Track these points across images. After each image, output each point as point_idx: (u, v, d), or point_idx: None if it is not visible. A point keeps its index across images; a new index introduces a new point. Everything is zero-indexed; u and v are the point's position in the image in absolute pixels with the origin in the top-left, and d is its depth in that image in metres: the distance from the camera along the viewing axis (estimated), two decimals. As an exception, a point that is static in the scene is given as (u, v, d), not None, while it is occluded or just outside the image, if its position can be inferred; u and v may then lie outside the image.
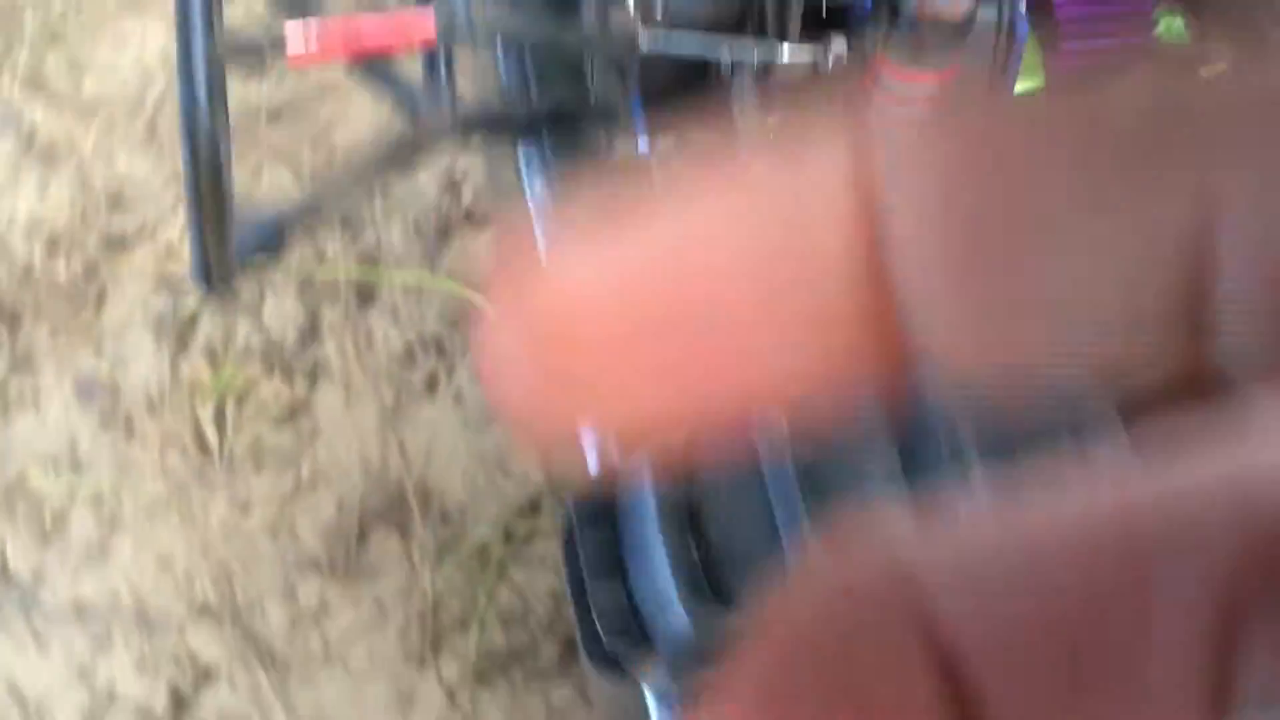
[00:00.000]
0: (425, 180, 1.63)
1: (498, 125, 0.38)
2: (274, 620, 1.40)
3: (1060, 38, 0.41)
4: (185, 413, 1.51)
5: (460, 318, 1.53)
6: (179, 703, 1.38)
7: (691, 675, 0.40)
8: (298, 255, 1.58)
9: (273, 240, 0.30)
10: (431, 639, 1.38)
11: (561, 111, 0.41)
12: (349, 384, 1.51)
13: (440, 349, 1.53)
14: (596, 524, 0.35)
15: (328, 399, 1.51)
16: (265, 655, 1.38)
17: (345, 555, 1.43)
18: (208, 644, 1.40)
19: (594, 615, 0.34)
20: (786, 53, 0.39)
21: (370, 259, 1.57)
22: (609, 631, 0.34)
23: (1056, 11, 0.41)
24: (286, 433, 1.48)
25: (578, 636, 0.36)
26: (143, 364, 1.55)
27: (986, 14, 0.41)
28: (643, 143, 0.45)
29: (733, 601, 0.32)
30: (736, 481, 0.33)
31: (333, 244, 1.59)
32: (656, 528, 0.33)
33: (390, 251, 1.58)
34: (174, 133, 1.74)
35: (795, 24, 0.39)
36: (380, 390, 1.51)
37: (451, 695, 1.35)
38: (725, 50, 0.38)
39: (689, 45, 0.37)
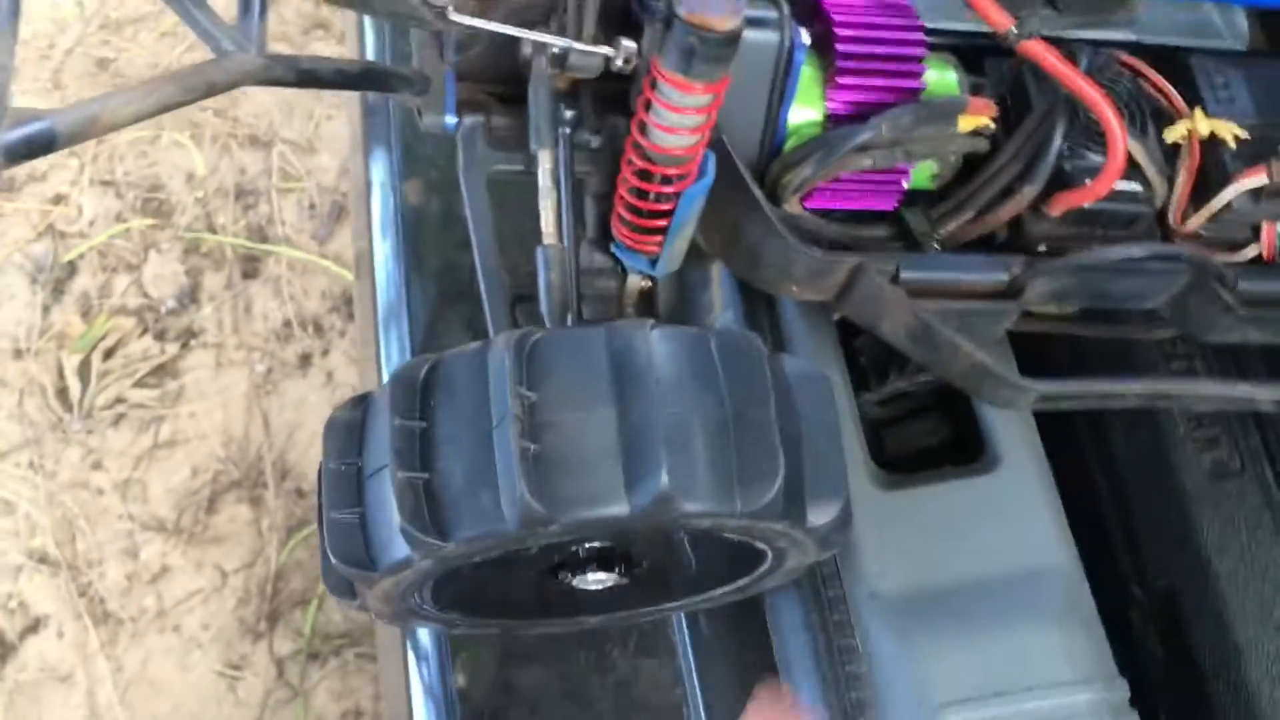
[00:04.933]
0: (327, 160, 1.64)
1: (304, 79, 0.41)
2: (111, 577, 1.39)
3: (837, 73, 0.45)
4: (51, 362, 1.50)
5: (341, 300, 1.55)
6: (2, 649, 1.36)
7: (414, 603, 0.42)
8: (187, 219, 1.58)
9: (43, 146, 0.32)
10: (269, 613, 1.38)
11: (372, 73, 0.44)
12: (221, 352, 1.51)
13: (318, 328, 1.53)
14: (342, 454, 0.38)
15: (198, 364, 1.50)
16: (97, 611, 1.37)
17: (193, 521, 1.42)
18: (41, 594, 1.38)
19: (326, 540, 0.37)
20: (581, 45, 0.42)
21: (260, 232, 1.58)
22: (340, 557, 0.36)
23: (835, 46, 0.44)
24: (151, 392, 1.48)
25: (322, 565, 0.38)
26: (15, 307, 1.54)
27: (767, 38, 0.44)
28: (450, 118, 0.48)
29: (450, 535, 0.34)
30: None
31: (225, 213, 1.59)
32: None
33: (281, 227, 1.58)
34: (81, 82, 1.73)
35: (591, 20, 0.42)
36: (252, 362, 1.51)
37: (281, 669, 1.35)
38: (529, 38, 0.41)
39: (499, 25, 0.40)
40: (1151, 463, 0.62)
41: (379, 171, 0.71)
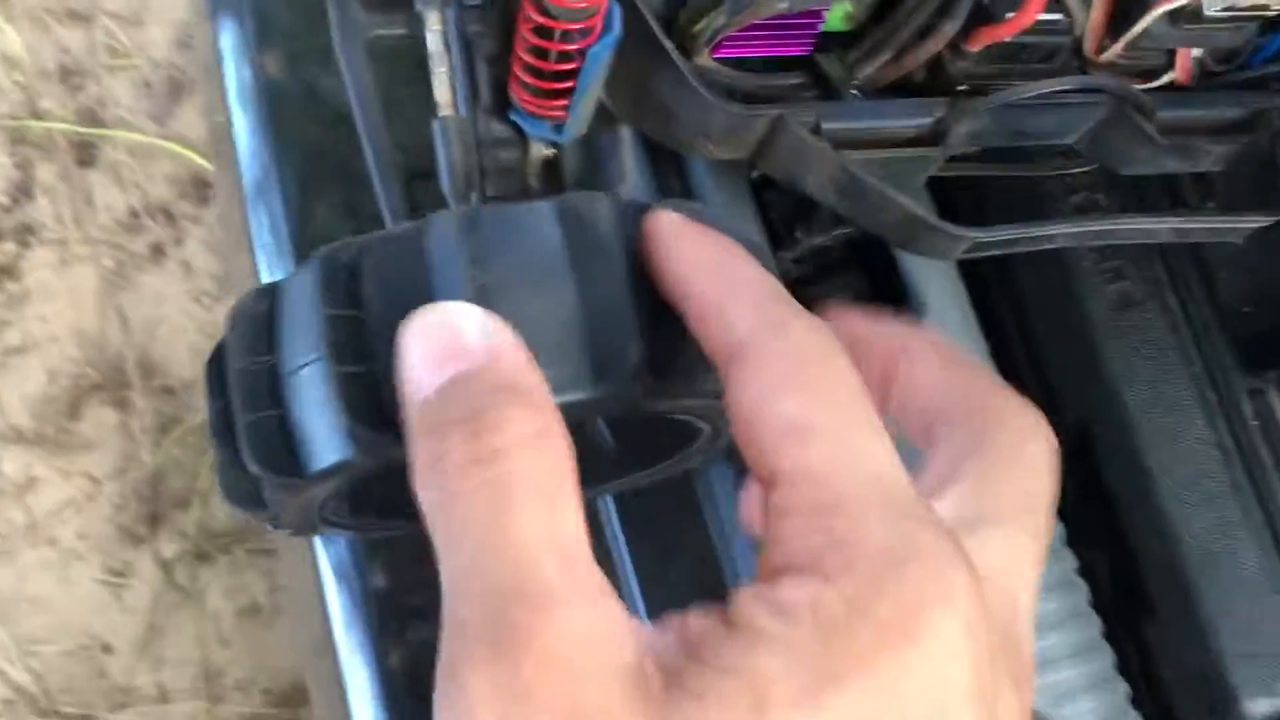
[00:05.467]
0: (158, 33, 1.53)
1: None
2: (-27, 495, 1.31)
3: None
4: (-126, 271, 1.39)
5: (191, 185, 1.46)
6: None
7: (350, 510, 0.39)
8: (8, 106, 1.46)
9: None
10: (149, 516, 1.33)
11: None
12: (65, 248, 1.42)
13: (168, 215, 1.45)
14: (253, 350, 0.33)
15: (40, 263, 1.41)
16: (-39, 531, 1.30)
17: (55, 429, 1.35)
18: (-104, 518, 1.31)
19: (243, 445, 0.33)
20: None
21: (92, 116, 1.47)
22: (260, 463, 0.32)
23: None
24: (-8, 297, 1.38)
25: (217, 475, 0.34)
26: None
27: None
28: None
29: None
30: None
31: (50, 97, 1.48)
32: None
33: (115, 109, 1.47)
34: None
35: None
36: (99, 257, 1.42)
37: (168, 571, 1.31)
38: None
39: None
40: (1058, 299, 0.61)
41: (230, 42, 0.65)
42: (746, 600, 0.25)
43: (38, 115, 1.46)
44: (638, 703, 0.23)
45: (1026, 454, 0.31)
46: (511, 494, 0.26)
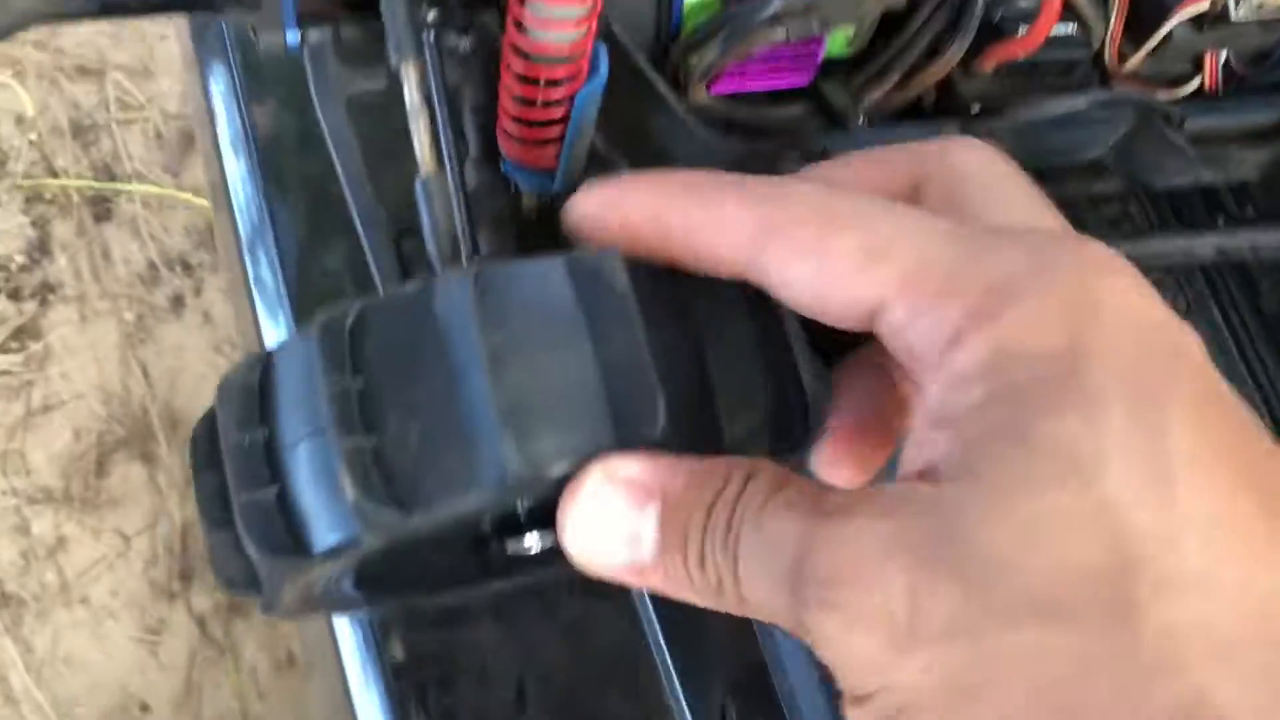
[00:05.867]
0: (168, 85, 1.52)
1: (107, 8, 0.34)
2: (5, 557, 1.31)
3: None
4: (-102, 337, 1.39)
5: (207, 234, 1.45)
6: (-102, 649, 1.28)
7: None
8: (24, 165, 1.46)
9: None
10: (181, 570, 1.32)
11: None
12: (84, 304, 1.41)
13: (186, 266, 1.44)
14: (244, 422, 0.32)
15: (61, 320, 1.40)
16: (-5, 595, 1.30)
17: (84, 486, 1.34)
18: (-70, 585, 1.30)
19: (240, 526, 0.31)
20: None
21: (106, 170, 1.47)
22: (258, 544, 0.30)
23: None
24: (15, 357, 1.38)
25: (209, 556, 0.32)
26: None
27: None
28: (291, 35, 0.41)
29: (413, 507, 0.29)
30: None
31: (64, 154, 1.47)
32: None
33: (128, 162, 1.47)
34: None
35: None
36: (120, 311, 1.41)
37: (203, 626, 1.29)
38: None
39: None
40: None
41: (220, 91, 0.64)
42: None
43: (53, 173, 1.46)
44: None
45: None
46: None
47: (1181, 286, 0.56)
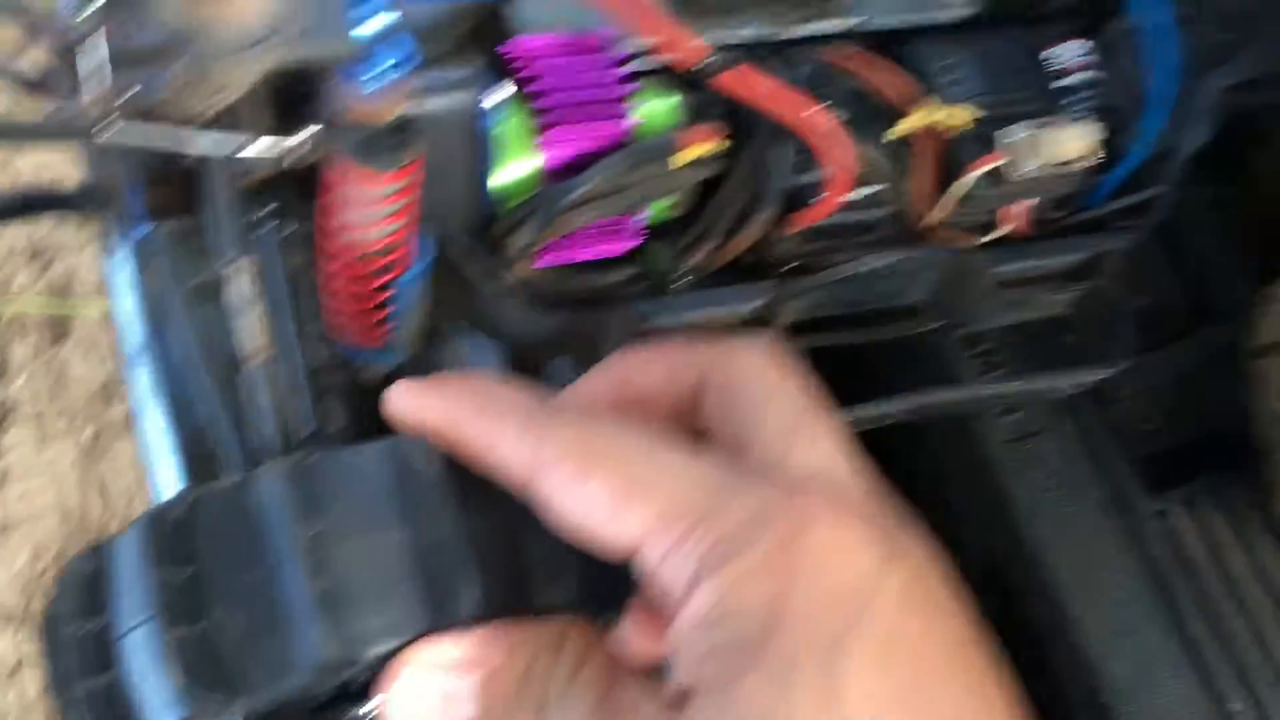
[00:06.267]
0: (121, 205, 1.56)
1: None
2: (-35, 681, 1.32)
3: (542, 126, 0.42)
4: None
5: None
6: None
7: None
8: (-20, 290, 1.49)
9: None
10: (139, 686, 1.33)
11: (35, 200, 0.40)
12: (42, 424, 1.43)
13: (141, 382, 1.46)
14: (82, 613, 0.34)
15: (18, 441, 1.43)
16: (-46, 719, 1.30)
17: (44, 605, 1.36)
18: (-110, 711, 1.31)
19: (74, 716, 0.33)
20: (254, 148, 0.38)
21: (62, 290, 1.50)
22: None
23: (534, 104, 0.42)
24: (-27, 480, 1.40)
25: None
26: None
27: (454, 103, 0.41)
28: (142, 230, 0.44)
29: (238, 690, 0.31)
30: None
31: (20, 276, 1.51)
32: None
33: (83, 282, 1.50)
34: None
35: (261, 118, 0.39)
36: (77, 429, 1.44)
37: (161, 743, 1.30)
38: (196, 142, 0.37)
39: (158, 137, 0.36)
40: (956, 434, 0.61)
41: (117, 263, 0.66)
42: None
43: (9, 295, 1.49)
44: None
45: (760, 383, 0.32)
46: None
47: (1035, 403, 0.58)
